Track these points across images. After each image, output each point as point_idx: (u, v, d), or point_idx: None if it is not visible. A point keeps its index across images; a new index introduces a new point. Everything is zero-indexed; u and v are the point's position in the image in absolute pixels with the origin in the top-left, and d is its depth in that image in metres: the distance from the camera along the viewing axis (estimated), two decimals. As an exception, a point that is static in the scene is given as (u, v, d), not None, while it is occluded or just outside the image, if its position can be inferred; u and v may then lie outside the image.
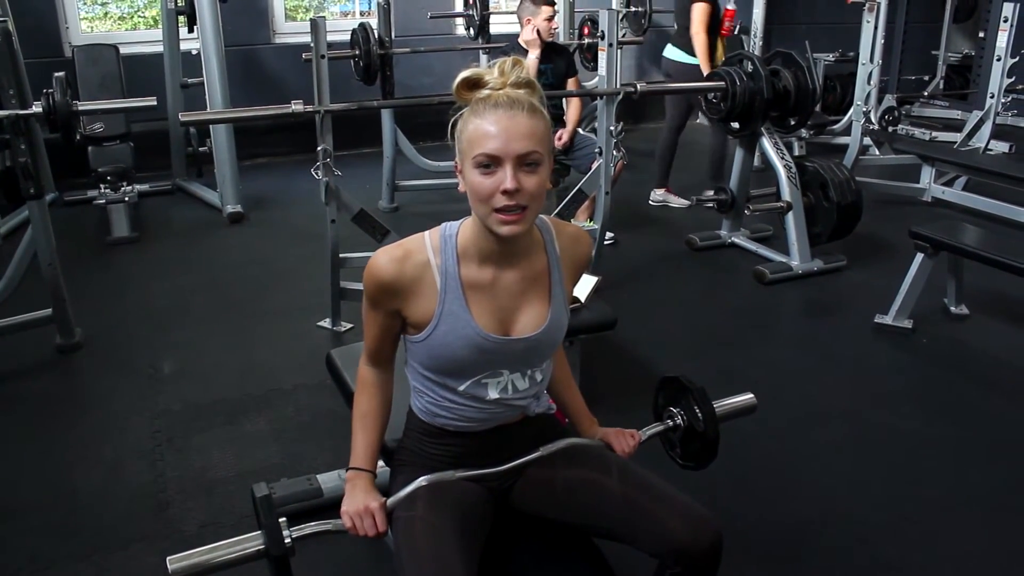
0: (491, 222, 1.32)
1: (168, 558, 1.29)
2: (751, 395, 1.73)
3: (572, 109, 4.30)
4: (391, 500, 1.44)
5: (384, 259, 1.39)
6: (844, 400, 2.96)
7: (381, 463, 1.60)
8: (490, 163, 1.29)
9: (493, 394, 1.46)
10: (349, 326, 3.43)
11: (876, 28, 5.60)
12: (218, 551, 1.32)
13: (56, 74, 2.92)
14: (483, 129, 1.29)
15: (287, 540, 1.34)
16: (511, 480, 1.54)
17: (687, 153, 6.81)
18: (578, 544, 1.53)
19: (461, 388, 1.45)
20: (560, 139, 4.23)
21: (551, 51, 4.25)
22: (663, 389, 1.72)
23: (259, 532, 1.35)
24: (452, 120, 1.37)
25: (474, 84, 1.34)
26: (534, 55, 4.11)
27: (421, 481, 1.42)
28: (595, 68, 4.70)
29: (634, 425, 1.66)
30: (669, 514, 1.39)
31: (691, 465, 1.67)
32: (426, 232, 1.43)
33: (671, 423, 1.67)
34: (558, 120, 4.34)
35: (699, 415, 1.62)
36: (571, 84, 4.32)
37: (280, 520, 1.35)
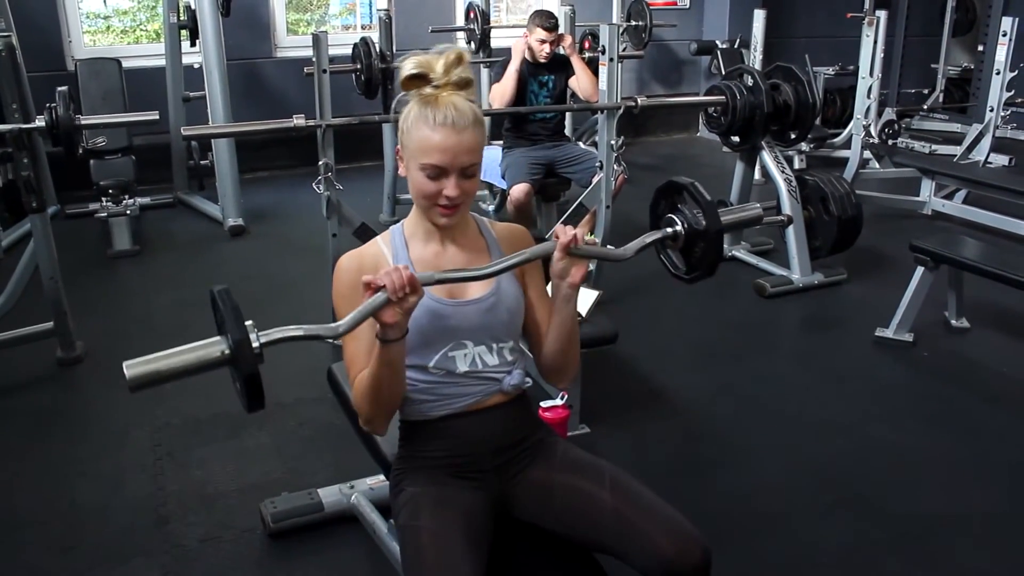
0: (432, 215, 1.50)
1: (125, 363, 1.23)
2: (758, 205, 1.73)
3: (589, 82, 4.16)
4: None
5: (344, 260, 1.57)
6: (844, 414, 2.95)
7: (381, 477, 1.60)
8: (437, 173, 1.45)
9: (462, 367, 1.53)
10: (350, 339, 3.42)
11: (876, 42, 5.62)
12: (178, 355, 1.25)
13: (59, 88, 2.93)
14: (433, 142, 1.43)
15: (255, 345, 1.26)
16: (509, 484, 1.56)
17: (688, 166, 6.85)
18: (578, 557, 1.53)
19: (431, 364, 1.52)
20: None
21: (558, 65, 4.24)
22: (660, 201, 1.68)
23: (221, 337, 1.27)
24: (396, 101, 1.53)
25: (419, 78, 1.45)
26: (514, 66, 4.09)
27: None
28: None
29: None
30: (657, 530, 1.39)
31: (696, 274, 1.61)
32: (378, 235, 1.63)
33: (670, 230, 1.63)
34: (560, 132, 4.35)
35: (700, 215, 1.55)
36: (571, 81, 4.24)
37: (247, 323, 1.27)
